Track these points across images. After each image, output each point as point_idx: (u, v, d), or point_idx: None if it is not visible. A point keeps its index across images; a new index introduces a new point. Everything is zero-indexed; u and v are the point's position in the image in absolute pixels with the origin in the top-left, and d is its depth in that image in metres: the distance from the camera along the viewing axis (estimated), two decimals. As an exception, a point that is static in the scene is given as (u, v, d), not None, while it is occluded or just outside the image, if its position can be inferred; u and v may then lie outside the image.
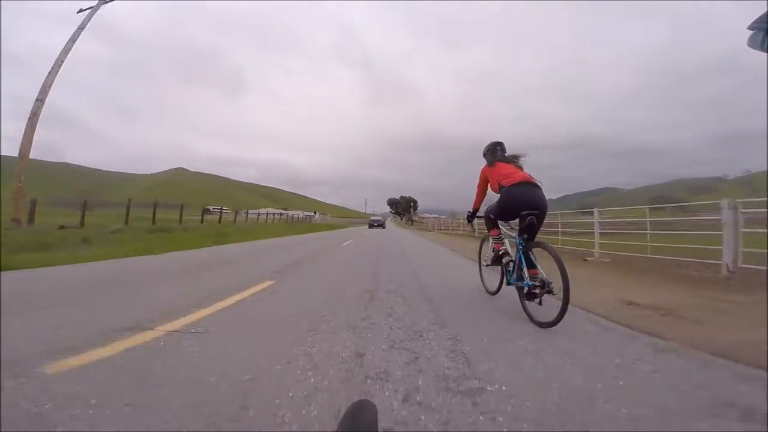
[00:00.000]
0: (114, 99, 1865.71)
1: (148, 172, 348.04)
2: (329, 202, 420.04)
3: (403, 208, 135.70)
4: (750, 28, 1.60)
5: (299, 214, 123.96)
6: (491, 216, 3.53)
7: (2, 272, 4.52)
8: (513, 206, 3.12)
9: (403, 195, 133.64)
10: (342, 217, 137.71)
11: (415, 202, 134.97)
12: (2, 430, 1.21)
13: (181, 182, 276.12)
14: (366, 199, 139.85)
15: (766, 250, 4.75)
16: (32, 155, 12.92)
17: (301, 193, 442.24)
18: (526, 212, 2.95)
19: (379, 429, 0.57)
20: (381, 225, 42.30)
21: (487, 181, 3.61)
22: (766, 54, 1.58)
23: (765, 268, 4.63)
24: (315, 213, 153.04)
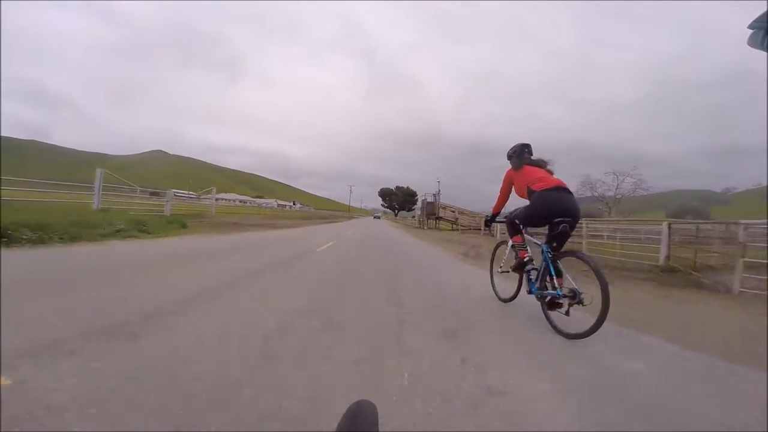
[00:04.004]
0: (107, 80, 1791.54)
1: (126, 153, 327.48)
2: (317, 194, 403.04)
3: (400, 201, 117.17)
4: (750, 27, 1.61)
5: (271, 202, 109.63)
6: (516, 221, 3.29)
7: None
8: (545, 212, 2.92)
9: (400, 186, 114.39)
10: (326, 209, 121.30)
11: (414, 194, 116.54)
12: (2, 430, 1.21)
13: (156, 165, 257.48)
14: (351, 187, 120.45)
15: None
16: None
17: (290, 184, 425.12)
18: (559, 219, 2.80)
19: (379, 429, 0.55)
20: (378, 217, 46.17)
21: (512, 185, 3.39)
22: (766, 53, 1.58)
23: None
24: (294, 203, 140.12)
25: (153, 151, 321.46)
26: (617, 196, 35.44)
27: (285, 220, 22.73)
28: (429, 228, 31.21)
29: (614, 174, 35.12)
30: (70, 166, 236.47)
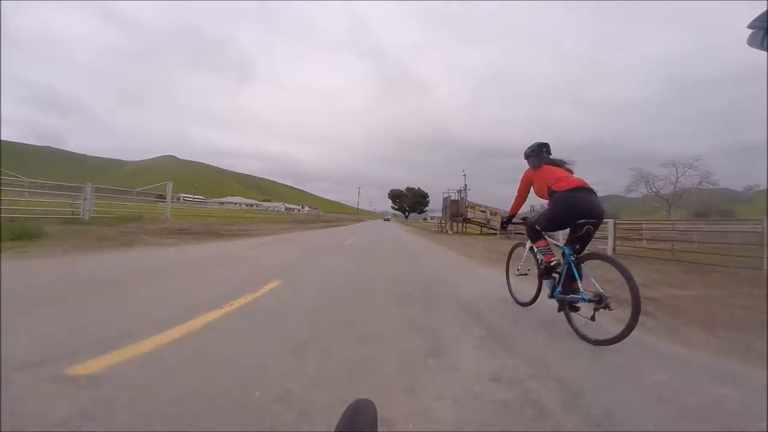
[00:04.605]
0: (119, 85, 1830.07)
1: (138, 159, 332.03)
2: (328, 198, 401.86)
3: (410, 203, 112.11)
4: (750, 26, 1.61)
5: (279, 206, 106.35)
6: (536, 227, 3.13)
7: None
8: (569, 213, 2.70)
9: (410, 187, 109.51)
10: (336, 212, 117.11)
11: (426, 196, 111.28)
12: (2, 430, 1.17)
13: (166, 169, 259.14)
14: (359, 189, 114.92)
15: None
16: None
17: (301, 188, 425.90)
18: (583, 221, 2.63)
19: (379, 429, 0.55)
20: (387, 220, 47.82)
21: (531, 185, 3.22)
22: (766, 53, 1.58)
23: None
24: (302, 206, 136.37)
25: (164, 156, 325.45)
26: (677, 192, 29.57)
27: (273, 225, 17.79)
28: (453, 232, 25.11)
29: (673, 166, 29.29)
30: (83, 171, 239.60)
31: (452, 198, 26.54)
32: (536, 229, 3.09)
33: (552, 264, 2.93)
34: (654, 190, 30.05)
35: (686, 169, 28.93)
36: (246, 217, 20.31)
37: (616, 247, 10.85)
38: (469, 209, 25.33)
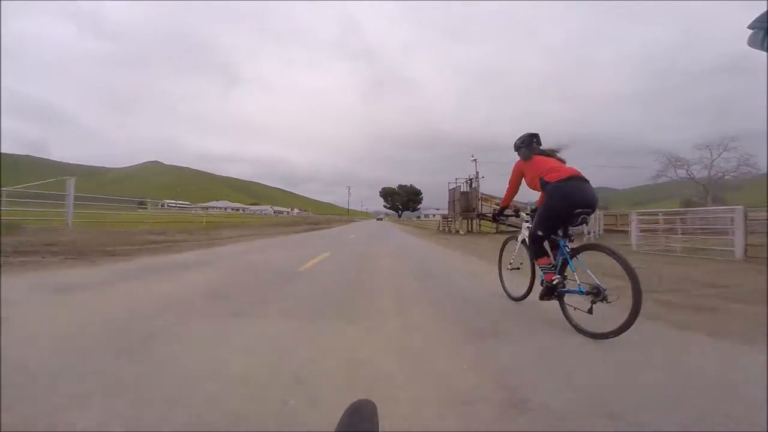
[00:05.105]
0: (103, 93, 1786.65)
1: (123, 166, 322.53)
2: (319, 199, 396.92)
3: (403, 201, 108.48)
4: (750, 27, 1.58)
5: (267, 209, 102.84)
6: (539, 234, 2.79)
7: None
8: (565, 204, 2.62)
9: (403, 184, 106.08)
10: (327, 214, 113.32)
11: (419, 193, 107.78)
12: (2, 430, 1.18)
13: (150, 176, 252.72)
14: (349, 188, 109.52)
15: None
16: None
17: (292, 190, 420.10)
18: (579, 211, 2.57)
19: (379, 429, 0.54)
20: (380, 219, 46.87)
21: (522, 177, 3.13)
22: (766, 53, 1.56)
23: None
24: (292, 209, 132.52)
25: (148, 162, 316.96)
26: (713, 176, 26.12)
27: (236, 230, 13.67)
28: (465, 232, 20.62)
29: (708, 148, 25.82)
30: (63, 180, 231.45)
31: (461, 190, 21.82)
32: (539, 238, 2.81)
33: (554, 283, 2.73)
34: (690, 174, 26.59)
35: (722, 151, 25.49)
36: (203, 221, 16.10)
37: (747, 248, 7.00)
38: (482, 203, 20.67)
